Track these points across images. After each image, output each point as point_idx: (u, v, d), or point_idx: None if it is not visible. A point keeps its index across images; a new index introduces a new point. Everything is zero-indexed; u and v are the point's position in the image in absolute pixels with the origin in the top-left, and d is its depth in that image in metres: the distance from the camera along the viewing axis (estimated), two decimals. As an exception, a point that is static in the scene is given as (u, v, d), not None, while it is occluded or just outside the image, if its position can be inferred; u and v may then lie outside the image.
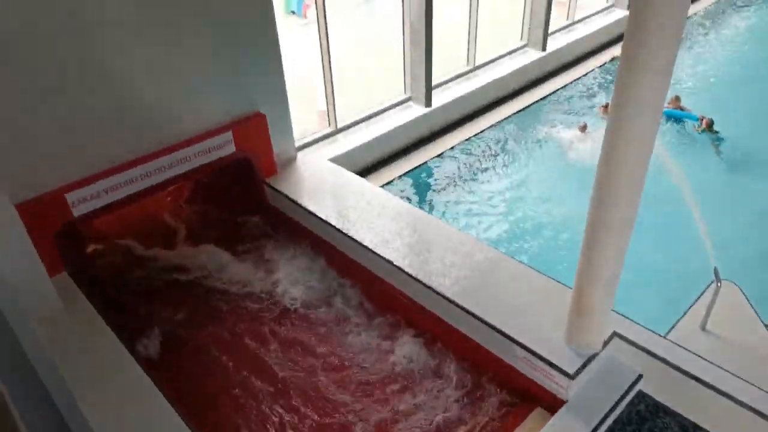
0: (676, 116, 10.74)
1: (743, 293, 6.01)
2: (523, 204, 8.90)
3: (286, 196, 6.46)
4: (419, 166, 9.58)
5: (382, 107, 9.80)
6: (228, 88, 6.09)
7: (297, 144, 7.64)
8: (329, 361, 5.20)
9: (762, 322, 5.60)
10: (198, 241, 6.47)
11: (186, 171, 5.88)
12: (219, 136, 6.05)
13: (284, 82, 6.65)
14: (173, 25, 5.39)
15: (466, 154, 10.02)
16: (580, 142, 10.10)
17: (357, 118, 9.42)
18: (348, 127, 9.27)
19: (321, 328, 5.53)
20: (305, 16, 16.72)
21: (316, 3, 8.08)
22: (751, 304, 6.00)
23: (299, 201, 6.33)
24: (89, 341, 4.70)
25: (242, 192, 6.88)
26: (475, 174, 9.58)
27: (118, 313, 5.39)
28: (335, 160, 8.03)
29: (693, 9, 16.03)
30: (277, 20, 6.24)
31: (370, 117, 9.58)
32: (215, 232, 6.60)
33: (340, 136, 9.12)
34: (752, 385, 4.31)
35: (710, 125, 10.18)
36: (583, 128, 10.26)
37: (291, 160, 7.09)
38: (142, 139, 5.56)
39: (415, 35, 9.45)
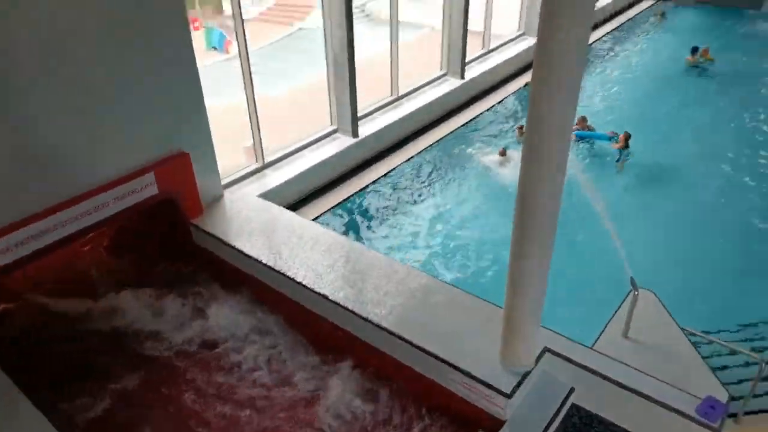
0: (587, 137, 11.42)
1: (659, 299, 6.41)
2: (454, 229, 9.12)
3: (214, 236, 6.31)
4: (351, 196, 9.64)
5: (309, 140, 9.84)
6: (147, 128, 5.91)
7: (224, 181, 7.51)
8: (261, 405, 5.06)
9: (678, 325, 5.97)
10: (121, 290, 6.17)
11: (105, 217, 5.61)
12: (140, 178, 5.84)
13: (207, 119, 6.55)
14: (79, 64, 5.12)
15: (396, 182, 10.19)
16: (502, 166, 10.53)
17: (284, 152, 9.40)
18: (276, 161, 9.21)
19: (255, 373, 5.37)
20: (227, 51, 16.62)
21: (237, 38, 8.06)
22: (667, 310, 6.40)
23: (228, 240, 6.20)
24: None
25: (167, 235, 6.65)
26: (406, 201, 9.75)
27: (33, 378, 5.01)
28: (265, 195, 7.94)
29: (598, 34, 17.29)
30: (198, 56, 6.16)
31: (297, 150, 9.58)
32: (139, 279, 6.32)
33: (268, 170, 9.04)
34: (673, 387, 4.59)
35: (627, 139, 10.84)
36: (503, 153, 10.69)
37: (218, 199, 6.95)
38: (54, 186, 5.25)
39: (338, 67, 9.60)
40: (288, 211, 7.00)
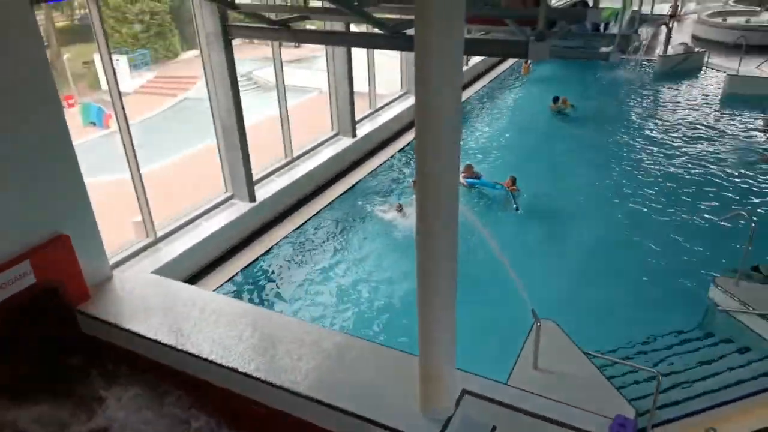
0: (477, 184, 12.05)
1: (560, 327, 6.76)
2: (361, 284, 9.12)
3: (105, 321, 5.80)
4: (253, 261, 9.38)
5: (204, 208, 9.53)
6: (20, 212, 5.42)
7: (113, 261, 7.01)
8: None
9: (581, 350, 6.30)
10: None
11: (-27, 315, 4.99)
12: (14, 268, 5.29)
13: (87, 197, 6.14)
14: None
15: (299, 242, 10.09)
16: (400, 218, 10.80)
17: (178, 223, 9.01)
18: (169, 234, 8.80)
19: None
20: (108, 126, 15.92)
21: (116, 112, 7.76)
22: (568, 336, 6.76)
23: (121, 324, 5.72)
24: None
25: (50, 327, 6.02)
26: (310, 261, 9.65)
27: None
28: (159, 271, 7.50)
29: (476, 87, 18.70)
30: (76, 132, 5.83)
31: (192, 220, 9.23)
32: (19, 381, 5.61)
33: (161, 244, 8.59)
34: (585, 411, 4.77)
35: (514, 181, 11.58)
36: (399, 208, 10.96)
37: (107, 280, 6.45)
38: None
39: (227, 134, 9.51)
40: (186, 284, 6.64)
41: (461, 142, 3.63)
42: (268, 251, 9.67)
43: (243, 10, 8.64)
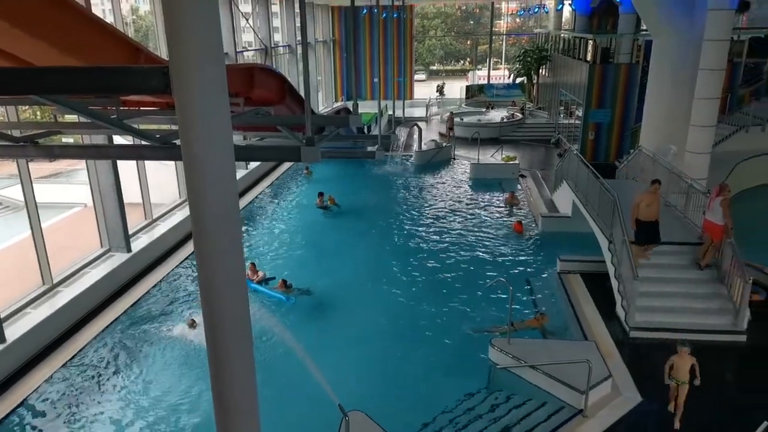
0: (258, 290, 11.67)
1: (368, 416, 6.80)
2: (155, 410, 8.07)
3: None
4: (18, 406, 7.74)
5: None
6: None
7: None
8: None
9: (390, 435, 6.38)
10: None
11: None
12: None
13: None
14: None
15: (73, 378, 8.62)
16: (193, 333, 10.02)
17: None
18: None
19: None
20: None
21: None
22: (378, 423, 6.83)
23: None
24: None
25: None
26: (92, 396, 8.28)
27: None
28: None
29: (261, 188, 18.90)
30: None
31: None
32: None
33: None
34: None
35: (285, 283, 11.53)
36: (192, 323, 10.21)
37: None
38: None
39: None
40: None
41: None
42: (37, 389, 8.06)
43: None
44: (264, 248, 14.29)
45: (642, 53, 21.00)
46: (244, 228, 15.42)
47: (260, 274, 12.07)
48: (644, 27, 19.82)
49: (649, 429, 7.56)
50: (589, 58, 23.01)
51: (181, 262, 13.04)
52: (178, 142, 3.40)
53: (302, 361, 8.64)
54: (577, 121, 23.11)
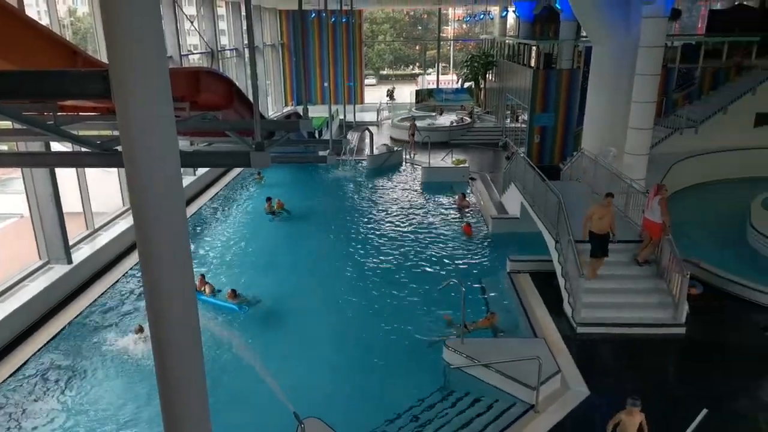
0: (208, 302, 11.32)
1: (325, 422, 6.75)
2: (105, 426, 7.74)
3: None
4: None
5: None
6: None
7: None
8: None
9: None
10: None
11: None
12: None
13: None
14: None
15: (12, 397, 8.16)
16: (140, 343, 9.68)
17: None
18: None
19: None
20: None
21: None
22: (334, 429, 6.79)
23: None
24: None
25: None
26: (35, 416, 7.85)
27: None
28: None
29: (210, 194, 18.47)
30: None
31: None
32: None
33: None
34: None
35: (234, 293, 11.24)
36: (139, 330, 9.86)
37: None
38: None
39: None
40: None
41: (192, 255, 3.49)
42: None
43: None
44: (213, 257, 13.97)
45: (582, 59, 21.79)
46: (192, 237, 15.03)
47: (209, 286, 11.73)
48: (584, 34, 20.59)
49: (596, 422, 7.82)
50: (533, 63, 23.70)
51: (126, 272, 12.59)
52: (120, 148, 3.29)
53: (255, 369, 8.50)
54: (523, 125, 23.75)
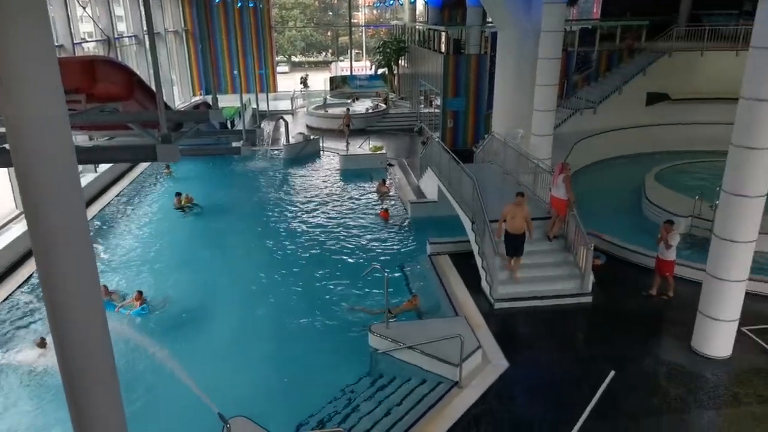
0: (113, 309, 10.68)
1: (252, 420, 6.62)
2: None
3: None
4: None
5: None
6: None
7: None
8: None
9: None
10: None
11: None
12: None
13: None
14: None
15: None
16: (43, 357, 9.00)
17: None
18: None
19: None
20: None
21: None
22: (262, 426, 6.68)
23: None
24: None
25: None
26: None
27: None
28: None
29: (114, 192, 17.36)
30: None
31: None
32: None
33: None
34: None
35: (141, 296, 10.64)
36: (41, 343, 9.14)
37: None
38: None
39: None
40: None
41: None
42: None
43: None
44: (121, 258, 13.18)
45: (489, 44, 22.52)
46: (96, 238, 14.11)
47: (114, 294, 11.02)
48: (490, 20, 21.26)
49: (516, 392, 8.23)
50: (443, 49, 24.19)
51: (25, 281, 11.63)
52: (7, 146, 3.01)
53: (174, 373, 8.14)
54: (436, 110, 24.22)
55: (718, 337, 8.76)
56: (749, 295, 8.84)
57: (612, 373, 8.39)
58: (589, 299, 10.55)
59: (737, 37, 20.27)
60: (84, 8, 18.92)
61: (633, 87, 20.72)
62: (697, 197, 13.26)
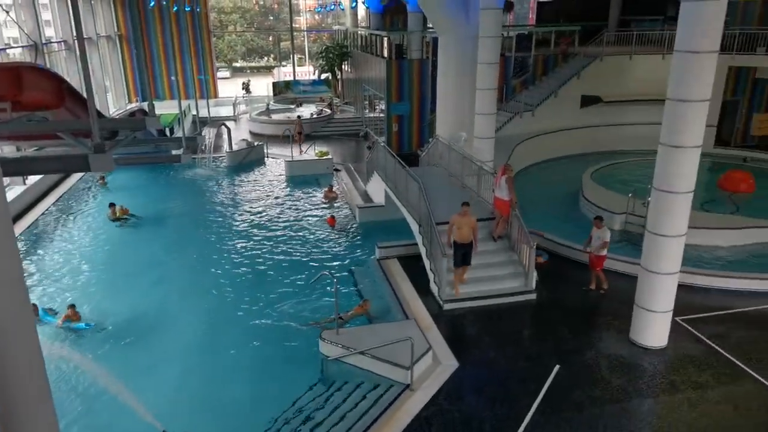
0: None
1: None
2: None
3: None
4: None
5: None
6: None
7: None
8: None
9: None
10: None
11: None
12: None
13: None
14: None
15: None
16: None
17: None
18: None
19: None
20: None
21: None
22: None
23: None
24: None
25: None
26: None
27: None
28: None
29: (46, 205, 16.48)
30: None
31: None
32: None
33: None
34: None
35: (74, 312, 10.27)
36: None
37: None
38: None
39: None
40: None
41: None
42: None
43: None
44: (53, 274, 12.52)
45: (431, 49, 22.86)
46: (25, 255, 13.36)
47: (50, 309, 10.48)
48: (430, 25, 21.58)
49: (466, 391, 8.35)
50: (385, 54, 24.35)
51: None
52: None
53: (115, 391, 7.78)
54: (381, 115, 24.36)
55: (654, 327, 9.20)
56: (682, 287, 9.34)
57: (557, 367, 8.66)
58: (533, 296, 10.85)
59: (663, 42, 21.42)
60: (8, 12, 17.91)
61: (568, 90, 21.50)
62: (630, 195, 13.89)
